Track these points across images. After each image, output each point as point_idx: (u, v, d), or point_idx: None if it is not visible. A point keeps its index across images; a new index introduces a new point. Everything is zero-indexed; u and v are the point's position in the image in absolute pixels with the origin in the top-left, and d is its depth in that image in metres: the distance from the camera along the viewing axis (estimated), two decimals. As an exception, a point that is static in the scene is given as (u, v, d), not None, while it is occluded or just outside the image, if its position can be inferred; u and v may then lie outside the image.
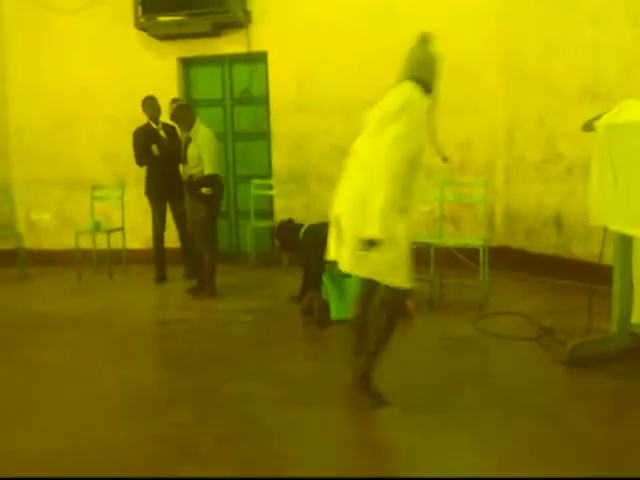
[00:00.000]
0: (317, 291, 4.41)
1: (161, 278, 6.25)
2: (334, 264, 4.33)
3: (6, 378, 3.52)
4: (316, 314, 4.34)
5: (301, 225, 4.77)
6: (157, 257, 6.34)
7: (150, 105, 6.37)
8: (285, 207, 7.09)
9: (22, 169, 8.03)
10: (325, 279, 4.45)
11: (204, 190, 5.25)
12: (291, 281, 5.57)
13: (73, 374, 3.58)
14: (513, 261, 6.02)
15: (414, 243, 5.08)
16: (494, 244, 5.70)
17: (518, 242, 6.28)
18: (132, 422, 2.90)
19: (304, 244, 4.55)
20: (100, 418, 2.94)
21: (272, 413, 2.93)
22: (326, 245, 4.43)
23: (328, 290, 4.49)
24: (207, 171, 5.29)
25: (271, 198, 7.31)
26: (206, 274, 5.40)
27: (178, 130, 6.09)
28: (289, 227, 4.82)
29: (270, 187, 7.17)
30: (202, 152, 5.31)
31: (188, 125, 5.45)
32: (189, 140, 5.48)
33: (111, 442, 2.68)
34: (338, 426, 2.78)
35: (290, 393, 3.18)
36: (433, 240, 4.87)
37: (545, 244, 5.91)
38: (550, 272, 5.59)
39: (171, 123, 6.15)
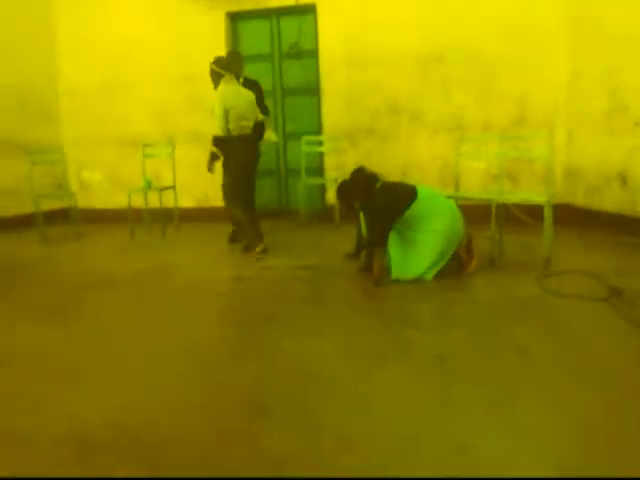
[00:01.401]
0: (383, 249, 4.32)
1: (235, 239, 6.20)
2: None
3: (75, 338, 3.56)
4: (376, 272, 4.26)
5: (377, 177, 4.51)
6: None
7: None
8: (336, 164, 6.99)
9: (73, 129, 8.11)
10: (391, 236, 4.37)
11: (213, 149, 5.29)
12: (343, 238, 5.51)
13: (138, 333, 3.60)
14: (575, 219, 5.84)
15: (472, 199, 5.00)
16: (554, 201, 5.52)
17: (579, 199, 6.06)
18: (200, 380, 2.89)
19: (379, 197, 4.37)
20: (168, 376, 2.95)
21: (336, 370, 2.89)
22: (402, 203, 4.35)
23: (391, 249, 4.42)
24: (215, 132, 5.28)
25: (321, 155, 7.21)
26: (245, 230, 5.44)
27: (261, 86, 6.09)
28: (367, 175, 4.49)
29: (320, 144, 7.06)
30: (214, 114, 5.26)
31: (214, 83, 5.44)
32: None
33: (181, 400, 2.68)
34: (403, 385, 2.72)
35: (352, 350, 3.13)
36: (494, 196, 4.71)
37: (609, 201, 5.68)
38: (614, 230, 5.40)
39: (253, 79, 6.07)
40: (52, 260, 5.88)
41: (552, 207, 4.63)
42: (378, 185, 4.44)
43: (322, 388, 2.72)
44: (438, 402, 2.55)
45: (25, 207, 6.97)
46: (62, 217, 7.32)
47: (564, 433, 2.29)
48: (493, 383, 2.70)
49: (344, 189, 4.56)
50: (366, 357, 3.05)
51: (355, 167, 4.63)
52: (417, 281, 4.32)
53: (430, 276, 4.34)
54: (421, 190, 4.40)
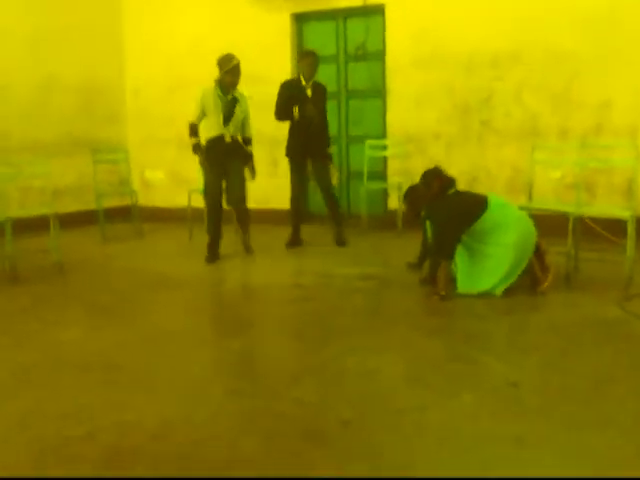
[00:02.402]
0: (449, 261, 4.08)
1: (295, 242, 6.00)
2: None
3: (125, 341, 3.48)
4: (441, 286, 4.02)
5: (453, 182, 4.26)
6: (293, 221, 6.05)
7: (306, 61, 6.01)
8: (400, 169, 6.74)
9: (138, 129, 8.18)
10: (458, 249, 4.12)
11: (249, 149, 5.64)
12: (406, 246, 5.29)
13: (191, 340, 3.49)
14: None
15: (546, 211, 4.67)
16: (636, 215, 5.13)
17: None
18: (253, 397, 2.74)
19: (450, 203, 4.14)
20: (219, 390, 2.81)
21: (400, 395, 2.69)
22: (472, 213, 4.10)
23: (458, 261, 4.17)
24: (249, 134, 5.70)
25: (385, 159, 6.99)
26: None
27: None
28: (444, 177, 4.24)
29: (384, 148, 6.84)
30: (247, 116, 5.64)
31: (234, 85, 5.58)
32: (235, 101, 5.52)
33: (231, 417, 2.53)
34: (474, 416, 2.48)
35: (417, 373, 2.92)
36: (572, 209, 4.39)
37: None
38: None
39: (323, 83, 5.99)
40: (110, 258, 5.90)
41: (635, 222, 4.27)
42: (451, 191, 4.21)
43: (385, 414, 2.52)
44: (512, 437, 2.31)
45: (88, 204, 7.06)
46: (123, 215, 7.35)
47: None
48: (569, 417, 2.43)
49: (414, 194, 4.34)
50: (433, 381, 2.83)
51: (427, 168, 4.39)
52: (485, 296, 4.06)
53: (500, 291, 4.07)
54: (492, 201, 4.14)
